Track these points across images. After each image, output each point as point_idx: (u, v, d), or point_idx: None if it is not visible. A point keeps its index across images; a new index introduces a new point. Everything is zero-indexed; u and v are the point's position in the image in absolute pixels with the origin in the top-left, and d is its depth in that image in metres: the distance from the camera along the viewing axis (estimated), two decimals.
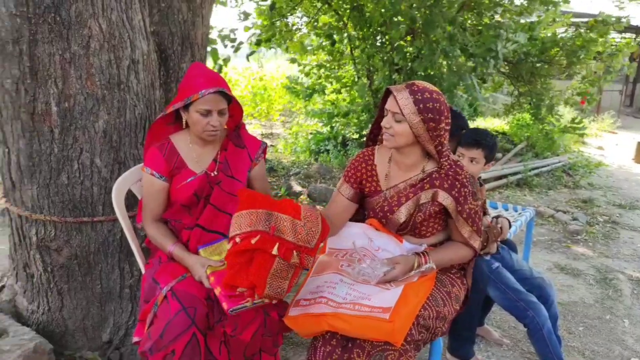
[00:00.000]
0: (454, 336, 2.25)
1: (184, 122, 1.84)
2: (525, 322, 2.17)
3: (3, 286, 2.57)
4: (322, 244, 1.71)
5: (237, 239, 1.50)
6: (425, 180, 1.78)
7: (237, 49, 5.16)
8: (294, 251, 1.52)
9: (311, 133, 7.92)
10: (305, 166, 6.24)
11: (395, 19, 5.41)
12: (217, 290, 1.64)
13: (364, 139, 6.88)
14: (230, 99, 1.82)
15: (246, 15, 5.96)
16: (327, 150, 6.87)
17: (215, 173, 1.90)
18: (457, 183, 1.76)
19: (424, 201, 1.77)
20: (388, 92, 1.75)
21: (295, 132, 8.44)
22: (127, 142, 2.09)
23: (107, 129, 2.02)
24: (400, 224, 1.80)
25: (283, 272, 1.53)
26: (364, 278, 1.68)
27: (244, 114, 2.01)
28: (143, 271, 1.92)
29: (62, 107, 1.91)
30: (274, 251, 1.49)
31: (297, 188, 5.13)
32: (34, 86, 1.87)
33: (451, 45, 5.09)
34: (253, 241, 1.49)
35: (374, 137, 2.01)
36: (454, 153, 2.21)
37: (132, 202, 2.05)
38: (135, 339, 1.80)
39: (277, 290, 1.54)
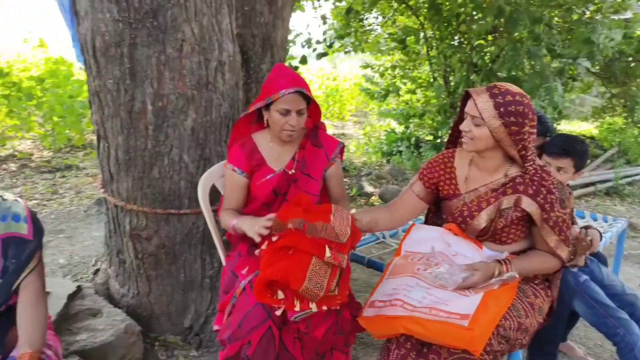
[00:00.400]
0: (534, 350, 2.14)
1: (265, 121, 1.91)
2: (615, 340, 2.01)
3: (98, 270, 2.79)
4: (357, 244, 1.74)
5: (274, 238, 1.63)
6: (507, 185, 1.72)
7: (320, 56, 5.23)
8: (326, 246, 1.57)
9: (385, 131, 7.86)
10: (377, 167, 6.22)
11: (477, 16, 5.22)
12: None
13: (438, 140, 6.73)
14: (310, 100, 1.86)
15: (324, 19, 6.03)
16: (400, 152, 6.79)
17: (293, 171, 1.95)
18: (542, 189, 1.68)
19: (505, 207, 1.71)
20: (467, 95, 1.70)
21: (368, 132, 8.42)
22: (212, 139, 2.20)
23: (195, 127, 2.13)
24: (481, 229, 1.74)
25: (321, 270, 1.57)
26: (441, 283, 1.64)
27: (321, 114, 2.04)
28: (224, 263, 2.01)
29: (156, 106, 2.05)
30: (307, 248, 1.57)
31: (368, 189, 5.12)
32: (132, 86, 2.02)
33: (536, 45, 4.84)
34: (290, 226, 1.61)
35: (454, 139, 1.96)
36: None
37: (215, 197, 2.15)
38: (215, 327, 1.88)
39: (316, 285, 1.55)
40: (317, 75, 12.19)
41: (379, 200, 4.82)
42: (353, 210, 1.79)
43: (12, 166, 5.52)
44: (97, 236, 3.53)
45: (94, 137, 6.80)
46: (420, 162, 6.26)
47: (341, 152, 2.03)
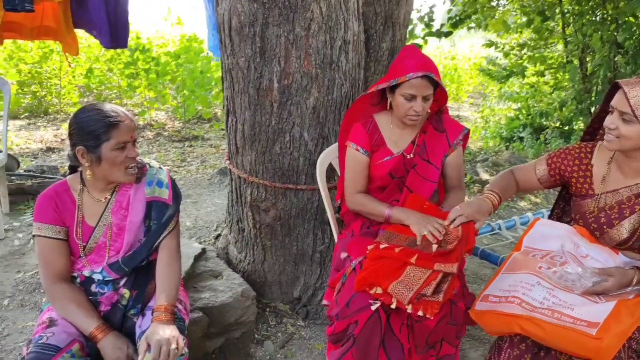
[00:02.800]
0: None
1: (388, 104, 1.88)
2: None
3: (219, 235, 3.02)
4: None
5: (382, 245, 1.68)
6: None
7: (438, 34, 5.02)
8: (436, 263, 1.60)
9: (506, 116, 7.38)
10: (494, 153, 5.88)
11: None
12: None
13: (567, 127, 6.16)
14: (437, 84, 1.79)
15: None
16: (521, 138, 6.35)
17: (412, 155, 1.91)
18: None
19: None
20: (616, 86, 1.52)
21: (486, 116, 7.98)
22: (331, 118, 2.24)
23: (316, 106, 2.18)
24: (622, 240, 1.57)
25: (416, 276, 1.58)
26: (567, 285, 1.52)
27: (448, 99, 1.97)
28: (336, 240, 2.06)
29: (282, 84, 2.13)
30: (413, 260, 1.61)
31: (484, 176, 4.88)
32: (261, 64, 2.11)
33: None
34: (397, 250, 1.65)
35: (593, 131, 1.78)
36: None
37: (329, 174, 2.20)
38: (324, 302, 1.94)
39: (406, 287, 1.57)
40: (434, 54, 11.77)
41: None
42: (466, 198, 1.73)
43: (149, 134, 6.14)
44: (219, 203, 3.81)
45: (219, 111, 7.28)
46: (546, 150, 5.80)
47: (465, 138, 1.94)
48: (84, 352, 1.47)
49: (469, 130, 1.98)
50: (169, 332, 1.43)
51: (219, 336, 2.14)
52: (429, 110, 1.92)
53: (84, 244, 1.57)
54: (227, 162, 2.49)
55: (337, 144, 2.14)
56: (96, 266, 1.58)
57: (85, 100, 7.36)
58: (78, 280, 1.60)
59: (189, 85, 6.44)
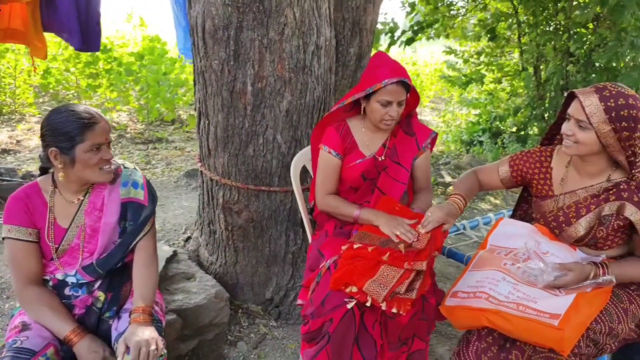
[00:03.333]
0: (622, 358, 2.04)
1: (362, 109, 1.93)
2: None
3: (189, 237, 3.00)
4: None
5: (355, 245, 1.72)
6: (610, 191, 1.63)
7: (400, 43, 5.14)
8: (405, 262, 1.64)
9: (466, 120, 7.62)
10: (456, 157, 6.07)
11: (580, 2, 4.88)
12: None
13: (522, 132, 6.43)
14: (409, 89, 1.86)
15: (412, 7, 5.87)
16: (481, 142, 6.58)
17: (383, 158, 1.97)
18: None
19: (607, 213, 1.62)
20: (572, 95, 1.63)
21: (447, 120, 8.21)
22: (304, 121, 2.27)
23: (290, 109, 2.21)
24: (578, 237, 1.68)
25: (389, 275, 1.63)
26: (529, 279, 1.61)
27: (419, 103, 2.04)
28: (310, 240, 2.09)
29: (256, 87, 2.15)
30: (385, 257, 1.65)
31: (447, 178, 5.04)
32: (235, 67, 2.12)
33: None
34: (370, 249, 1.70)
35: (551, 136, 1.89)
36: None
37: (303, 177, 2.23)
38: (299, 301, 1.97)
39: (380, 285, 1.61)
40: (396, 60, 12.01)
41: None
42: (435, 201, 1.80)
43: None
44: (186, 206, 3.77)
45: (183, 113, 7.14)
46: (504, 154, 6.03)
47: (432, 141, 2.02)
48: (59, 355, 1.44)
49: (436, 133, 2.06)
50: (147, 333, 1.42)
51: (193, 338, 2.13)
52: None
53: (57, 246, 1.55)
54: (199, 164, 2.48)
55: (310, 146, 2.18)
56: (69, 269, 1.56)
57: (41, 100, 7.10)
58: (50, 283, 1.56)
59: (153, 86, 6.33)
